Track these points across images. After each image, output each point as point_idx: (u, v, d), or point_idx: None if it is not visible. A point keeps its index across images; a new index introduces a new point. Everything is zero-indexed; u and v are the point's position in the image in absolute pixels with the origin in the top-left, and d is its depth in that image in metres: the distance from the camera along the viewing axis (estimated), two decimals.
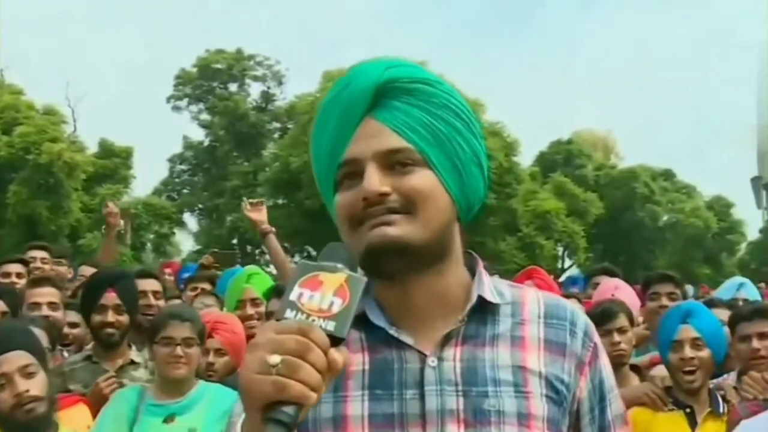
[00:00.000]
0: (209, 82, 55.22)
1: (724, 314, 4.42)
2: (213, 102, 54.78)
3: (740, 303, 5.18)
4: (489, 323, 1.50)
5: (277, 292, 4.57)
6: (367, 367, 1.46)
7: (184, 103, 55.59)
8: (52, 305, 4.59)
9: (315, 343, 1.15)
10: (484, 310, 1.50)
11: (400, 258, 1.42)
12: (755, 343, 3.97)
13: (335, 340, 1.19)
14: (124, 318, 4.26)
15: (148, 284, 4.85)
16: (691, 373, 3.76)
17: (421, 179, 1.44)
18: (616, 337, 4.18)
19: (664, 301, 4.90)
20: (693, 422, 3.73)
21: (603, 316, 4.22)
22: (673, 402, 3.84)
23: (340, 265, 1.27)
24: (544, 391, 1.46)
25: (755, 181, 77.35)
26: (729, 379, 4.14)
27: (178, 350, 3.65)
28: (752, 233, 57.91)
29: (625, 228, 50.24)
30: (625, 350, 4.22)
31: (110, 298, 4.22)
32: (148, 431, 3.61)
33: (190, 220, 57.28)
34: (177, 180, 58.15)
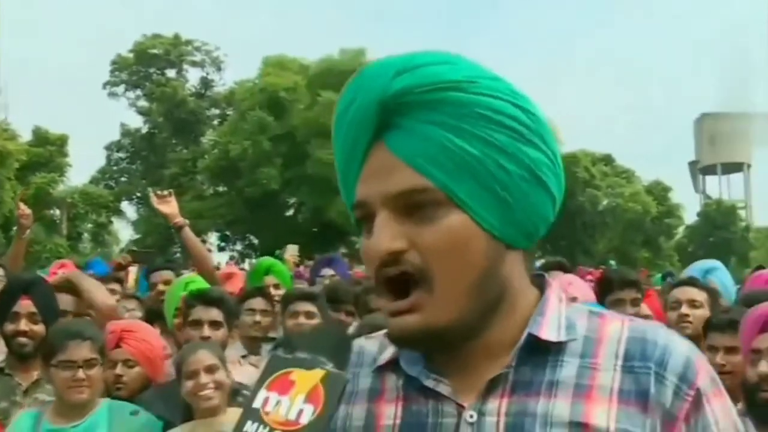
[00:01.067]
0: (146, 68, 54.29)
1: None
2: (150, 88, 53.88)
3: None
4: (549, 367, 1.18)
5: (198, 299, 4.28)
6: (399, 420, 1.21)
7: (120, 89, 54.69)
8: None
9: None
10: (545, 351, 1.19)
11: (432, 341, 1.16)
12: (719, 358, 3.70)
13: None
14: (39, 328, 3.90)
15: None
16: None
17: (445, 228, 1.11)
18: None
19: (628, 308, 4.68)
20: None
21: None
22: None
23: (321, 358, 1.06)
24: None
25: (692, 165, 78.88)
26: None
27: (80, 373, 3.36)
28: (690, 217, 59.03)
29: (565, 213, 50.61)
30: None
31: (24, 305, 3.92)
32: None
33: (129, 208, 56.41)
34: (114, 168, 57.12)
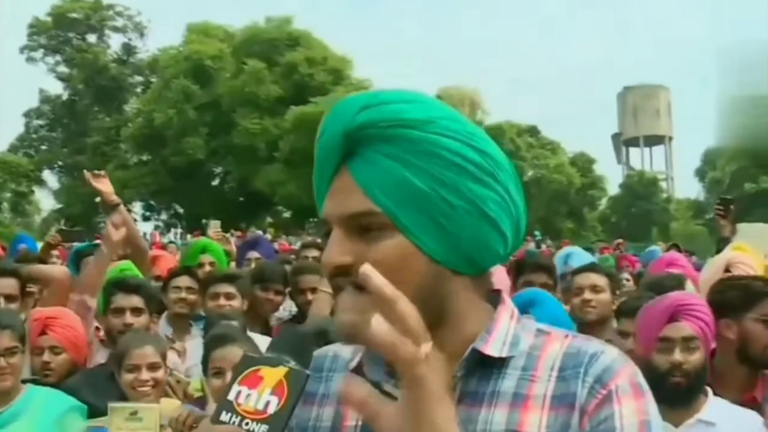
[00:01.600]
0: (66, 32, 52.98)
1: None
2: (70, 54, 52.62)
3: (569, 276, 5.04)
4: (493, 379, 1.28)
5: (117, 286, 4.31)
6: (360, 423, 1.32)
7: (39, 54, 53.27)
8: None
9: None
10: (490, 364, 1.29)
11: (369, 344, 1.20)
12: (630, 343, 3.66)
13: None
14: None
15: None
16: None
17: (387, 249, 1.23)
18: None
19: None
20: None
21: None
22: None
23: (286, 358, 1.21)
24: None
25: (615, 137, 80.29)
26: None
27: (2, 362, 3.40)
28: (613, 188, 60.19)
29: None
30: None
31: None
32: None
33: (50, 177, 55.18)
34: (34, 136, 55.77)
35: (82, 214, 48.51)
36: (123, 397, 3.48)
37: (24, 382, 3.59)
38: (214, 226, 9.30)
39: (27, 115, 55.11)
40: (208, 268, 5.74)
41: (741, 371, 3.39)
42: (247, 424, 1.16)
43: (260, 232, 29.14)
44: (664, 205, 58.38)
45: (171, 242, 24.56)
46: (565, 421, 1.22)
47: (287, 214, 46.27)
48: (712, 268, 4.57)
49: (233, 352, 3.28)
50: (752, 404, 3.22)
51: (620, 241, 23.69)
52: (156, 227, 48.68)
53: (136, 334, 3.82)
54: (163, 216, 51.17)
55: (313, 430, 1.36)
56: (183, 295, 4.94)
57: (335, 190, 1.26)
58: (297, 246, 23.45)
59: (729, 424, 2.99)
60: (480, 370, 1.28)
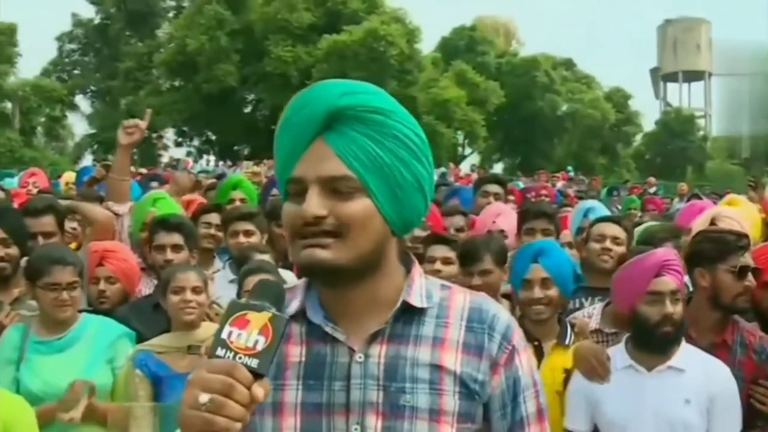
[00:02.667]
0: None
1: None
2: None
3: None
4: (415, 324, 1.64)
5: (160, 225, 4.63)
6: (303, 359, 1.62)
7: None
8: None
9: (239, 381, 1.35)
10: (411, 312, 1.64)
11: (329, 275, 1.57)
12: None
13: (259, 375, 1.38)
14: (13, 250, 4.28)
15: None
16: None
17: (358, 207, 1.55)
18: (476, 280, 4.17)
19: (539, 237, 4.89)
20: (540, 354, 3.82)
21: (466, 257, 4.27)
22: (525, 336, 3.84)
23: (267, 304, 1.42)
24: (457, 388, 1.60)
25: (654, 72, 78.95)
26: (586, 312, 4.26)
27: (64, 295, 3.72)
28: (648, 125, 59.35)
29: (525, 117, 50.65)
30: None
31: None
32: (34, 368, 3.70)
33: (83, 102, 55.33)
34: (67, 60, 55.79)
35: (115, 140, 48.78)
36: (168, 325, 3.85)
37: (79, 311, 3.91)
38: (246, 166, 9.34)
39: (60, 39, 55.08)
40: (238, 203, 5.95)
41: (713, 316, 3.71)
42: (240, 358, 1.38)
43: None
44: (700, 143, 57.53)
45: (202, 171, 24.54)
46: (474, 363, 1.62)
47: None
48: (700, 221, 4.92)
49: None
50: (723, 346, 3.63)
51: (651, 180, 23.39)
52: (188, 153, 48.94)
53: (180, 266, 4.17)
54: (195, 142, 51.27)
55: None
56: (212, 231, 5.25)
57: (311, 156, 1.56)
58: None
59: (697, 371, 3.34)
60: (404, 317, 1.64)
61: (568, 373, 3.62)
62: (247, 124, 47.36)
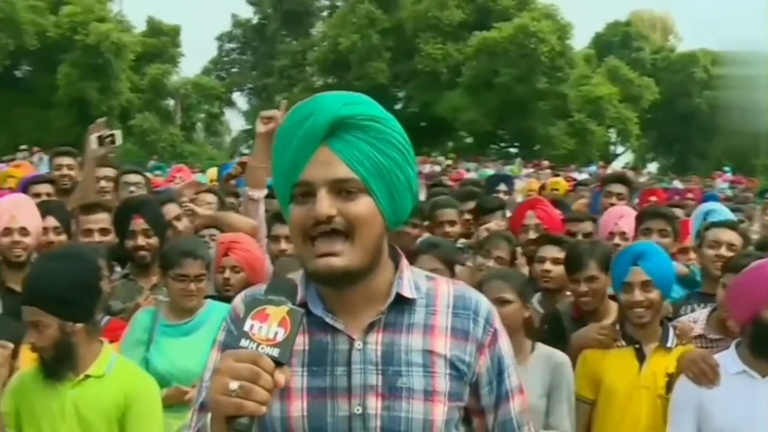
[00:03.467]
0: None
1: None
2: None
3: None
4: (406, 313, 1.83)
5: (277, 218, 4.92)
6: (307, 347, 1.79)
7: None
8: (103, 231, 4.79)
9: (263, 369, 1.52)
10: (402, 303, 1.83)
11: (342, 280, 1.75)
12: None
13: (280, 363, 1.54)
14: (154, 240, 4.61)
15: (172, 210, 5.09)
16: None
17: (363, 206, 1.74)
18: (583, 287, 4.19)
19: (655, 237, 4.80)
20: (642, 357, 3.80)
21: (571, 264, 4.26)
22: (624, 338, 3.92)
23: (283, 299, 1.59)
24: (448, 370, 1.80)
25: None
26: (691, 317, 4.21)
27: (191, 286, 3.98)
28: None
29: (681, 114, 49.08)
30: (589, 301, 4.21)
31: (138, 224, 4.59)
32: (162, 350, 3.94)
33: (240, 99, 57.26)
34: (226, 59, 57.85)
35: None
36: None
37: (206, 297, 4.14)
38: None
39: (219, 38, 57.18)
40: None
41: None
42: (262, 348, 1.54)
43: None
44: None
45: None
46: (462, 346, 1.82)
47: (469, 140, 46.14)
48: None
49: None
50: None
51: None
52: None
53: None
54: None
55: None
56: None
57: (318, 161, 1.72)
58: (475, 174, 23.45)
59: None
60: (396, 307, 1.82)
61: (670, 378, 3.60)
62: (397, 120, 47.83)
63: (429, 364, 1.78)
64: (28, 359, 3.61)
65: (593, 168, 29.11)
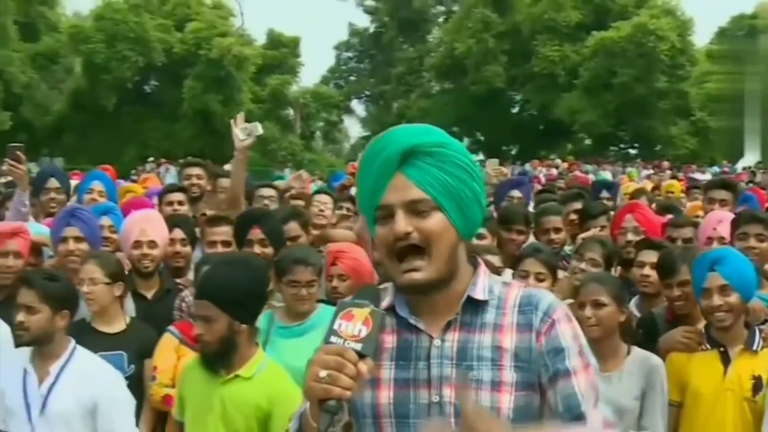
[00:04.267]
0: None
1: None
2: None
3: None
4: (479, 314, 2.07)
5: None
6: (395, 345, 2.08)
7: None
8: (225, 243, 5.07)
9: (348, 360, 1.82)
10: (476, 305, 2.07)
11: (425, 289, 2.03)
12: None
13: (363, 356, 1.84)
14: (269, 250, 4.79)
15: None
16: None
17: (435, 222, 2.00)
18: (675, 292, 4.24)
19: (752, 242, 4.74)
20: (726, 360, 3.83)
21: (664, 268, 4.30)
22: (709, 341, 3.95)
23: (366, 302, 1.90)
24: (514, 363, 2.02)
25: None
26: None
27: (303, 291, 4.25)
28: None
29: None
30: (682, 305, 4.25)
31: (255, 234, 4.82)
32: (277, 349, 4.16)
33: (358, 106, 58.05)
34: (344, 67, 58.79)
35: None
36: None
37: (318, 301, 4.38)
38: (490, 164, 9.50)
39: (337, 48, 58.16)
40: None
41: None
42: (347, 343, 1.85)
43: (527, 168, 29.08)
44: None
45: None
46: (526, 338, 2.03)
47: (588, 142, 45.56)
48: None
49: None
50: None
51: None
52: None
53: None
54: (465, 142, 52.08)
55: None
56: None
57: (394, 186, 2.00)
58: (593, 177, 23.16)
59: None
60: (471, 309, 2.06)
61: (756, 380, 3.65)
62: (515, 124, 47.63)
63: (497, 358, 2.00)
64: (167, 358, 4.08)
65: (715, 168, 28.31)
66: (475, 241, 5.26)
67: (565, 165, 30.97)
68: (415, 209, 1.98)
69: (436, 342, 2.04)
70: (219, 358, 3.52)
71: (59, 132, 41.57)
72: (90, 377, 3.74)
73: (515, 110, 49.93)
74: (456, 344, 2.03)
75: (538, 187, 13.56)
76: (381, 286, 2.14)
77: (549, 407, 2.03)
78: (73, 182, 7.20)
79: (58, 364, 3.74)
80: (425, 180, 1.99)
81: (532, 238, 5.69)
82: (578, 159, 35.45)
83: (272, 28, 47.09)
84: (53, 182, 6.14)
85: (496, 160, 9.99)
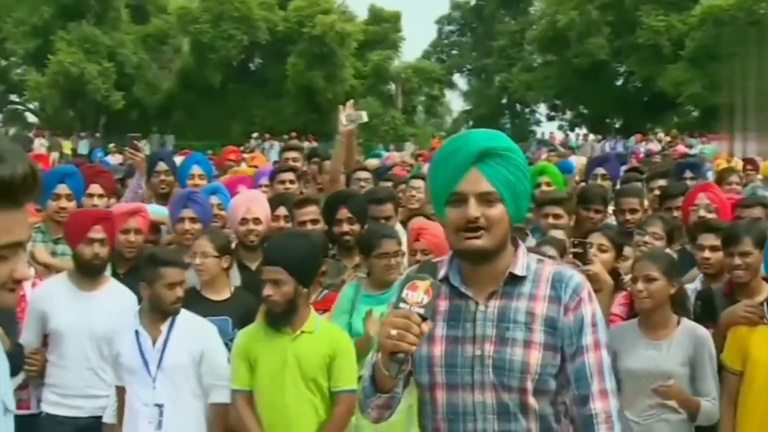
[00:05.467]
0: None
1: None
2: None
3: None
4: (518, 286, 2.54)
5: None
6: (447, 308, 2.56)
7: None
8: (313, 222, 5.53)
9: (413, 322, 2.28)
10: (516, 279, 2.54)
11: (480, 256, 2.50)
12: None
13: (424, 319, 2.30)
14: (356, 227, 5.34)
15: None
16: None
17: (498, 210, 2.48)
18: (736, 260, 4.46)
19: None
20: None
21: (728, 239, 4.52)
22: None
23: (427, 275, 2.34)
24: (543, 327, 2.49)
25: None
26: None
27: (392, 261, 4.77)
28: None
29: None
30: (741, 274, 4.46)
31: (343, 213, 5.35)
32: (362, 316, 4.64)
33: (460, 80, 58.06)
34: (445, 42, 58.81)
35: (489, 115, 50.66)
36: None
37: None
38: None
39: (439, 22, 58.22)
40: (544, 188, 6.92)
41: None
42: (413, 308, 2.30)
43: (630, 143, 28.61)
44: None
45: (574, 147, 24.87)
46: (555, 308, 2.50)
47: (695, 114, 44.55)
48: None
49: None
50: None
51: None
52: (560, 127, 49.62)
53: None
54: (567, 115, 51.71)
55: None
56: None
57: (470, 179, 2.47)
58: (696, 149, 22.80)
59: None
60: (511, 282, 2.54)
61: None
62: (619, 96, 46.89)
63: (530, 322, 2.48)
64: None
65: None
66: (551, 221, 5.73)
67: (668, 139, 30.53)
68: (484, 199, 2.46)
69: (481, 307, 2.51)
70: (284, 318, 4.08)
71: (169, 110, 43.13)
72: (194, 332, 4.35)
73: (619, 82, 49.13)
74: (497, 310, 2.51)
75: (635, 163, 13.65)
76: (436, 260, 2.66)
77: (565, 376, 2.52)
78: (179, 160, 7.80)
79: (167, 323, 4.31)
80: (495, 176, 2.47)
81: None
82: (684, 132, 34.82)
83: (373, 4, 47.55)
84: (162, 165, 6.70)
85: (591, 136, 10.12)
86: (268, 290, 4.02)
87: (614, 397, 2.52)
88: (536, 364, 2.46)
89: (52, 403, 4.68)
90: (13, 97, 49.48)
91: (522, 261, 2.57)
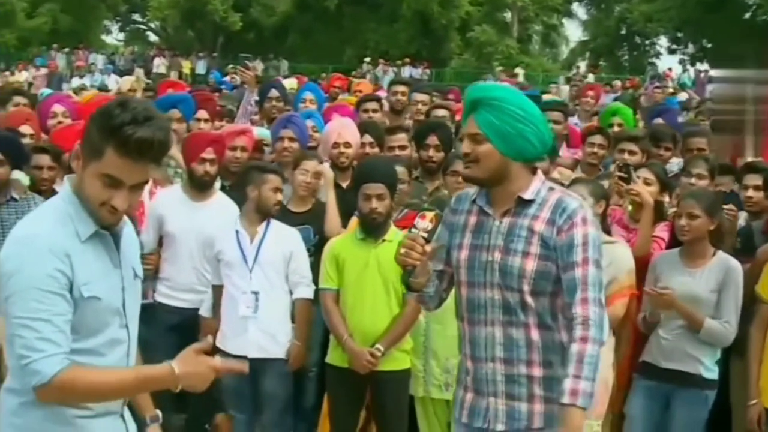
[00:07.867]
0: None
1: None
2: None
3: None
4: (526, 208, 3.08)
5: None
6: (473, 222, 3.18)
7: None
8: (401, 147, 6.20)
9: (418, 243, 3.03)
10: (526, 201, 3.08)
11: (470, 181, 3.16)
12: None
13: (428, 241, 3.03)
14: (441, 154, 5.89)
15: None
16: None
17: (485, 148, 3.04)
18: (751, 192, 5.08)
19: None
20: None
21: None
22: None
23: (434, 207, 3.13)
24: (539, 241, 3.03)
25: None
26: None
27: (460, 178, 5.14)
28: None
29: None
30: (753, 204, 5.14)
31: (432, 140, 5.91)
32: None
33: (579, 9, 56.72)
34: None
35: (606, 46, 49.53)
36: None
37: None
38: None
39: None
40: (616, 128, 7.28)
41: None
42: (419, 233, 3.03)
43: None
44: None
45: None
46: (550, 228, 3.03)
47: None
48: None
49: None
50: None
51: None
52: (680, 61, 48.11)
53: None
54: (689, 49, 50.15)
55: (459, 224, 3.20)
56: (595, 150, 6.49)
57: (468, 124, 3.09)
58: None
59: None
60: (521, 203, 3.09)
61: None
62: (746, 30, 45.07)
63: (529, 237, 3.04)
64: None
65: None
66: (626, 156, 5.88)
67: None
68: (474, 138, 3.06)
69: (496, 222, 3.11)
70: (381, 227, 4.76)
71: (284, 32, 43.63)
72: (284, 235, 5.02)
73: (747, 15, 47.33)
74: (507, 225, 3.09)
75: None
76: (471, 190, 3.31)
77: (560, 285, 3.04)
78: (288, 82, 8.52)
79: (263, 225, 5.00)
80: (482, 121, 3.04)
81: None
82: None
83: None
84: (274, 92, 7.52)
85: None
86: (374, 203, 4.68)
87: (596, 305, 2.94)
88: (531, 270, 3.03)
89: (164, 295, 5.44)
90: (136, 17, 51.23)
91: (534, 187, 3.09)
